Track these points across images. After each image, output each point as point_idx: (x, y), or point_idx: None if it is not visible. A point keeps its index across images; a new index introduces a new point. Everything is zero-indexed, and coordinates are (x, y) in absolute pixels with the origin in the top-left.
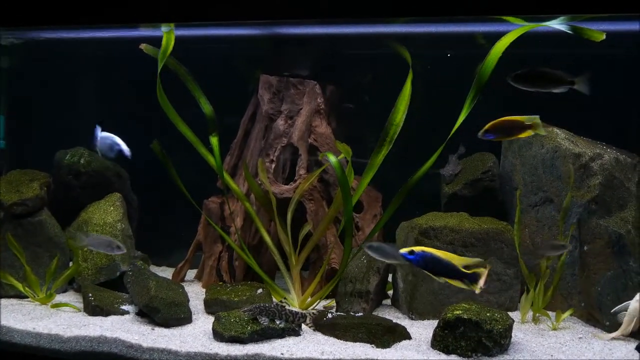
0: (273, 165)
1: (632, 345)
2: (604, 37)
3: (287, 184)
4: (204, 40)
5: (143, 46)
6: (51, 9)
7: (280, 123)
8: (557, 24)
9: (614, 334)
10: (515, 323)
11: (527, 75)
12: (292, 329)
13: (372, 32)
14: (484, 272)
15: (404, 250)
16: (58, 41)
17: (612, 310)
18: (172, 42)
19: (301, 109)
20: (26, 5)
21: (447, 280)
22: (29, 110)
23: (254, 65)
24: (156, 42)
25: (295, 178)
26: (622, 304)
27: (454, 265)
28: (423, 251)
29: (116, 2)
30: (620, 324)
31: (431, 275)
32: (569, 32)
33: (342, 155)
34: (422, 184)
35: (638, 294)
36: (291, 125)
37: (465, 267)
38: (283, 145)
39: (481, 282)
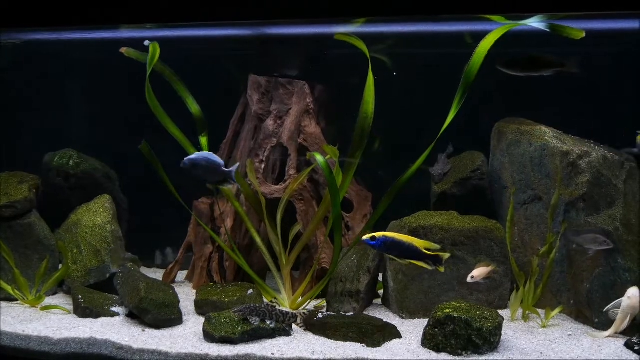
0: (263, 166)
1: (621, 342)
2: (583, 34)
3: (277, 184)
4: (193, 41)
5: (124, 50)
6: (41, 10)
7: (269, 123)
8: (536, 22)
9: (608, 332)
10: (505, 321)
11: (517, 61)
12: (282, 329)
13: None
14: (445, 255)
15: (366, 237)
16: (41, 42)
17: (604, 310)
18: (158, 52)
19: (290, 109)
20: (18, 7)
21: (411, 261)
22: (16, 111)
23: (242, 65)
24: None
25: (285, 178)
26: (614, 302)
27: (416, 247)
28: (384, 236)
29: (107, 3)
30: (611, 321)
31: (395, 258)
32: (547, 30)
33: (329, 156)
34: (411, 184)
35: (629, 291)
36: (280, 125)
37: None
38: (272, 145)
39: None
